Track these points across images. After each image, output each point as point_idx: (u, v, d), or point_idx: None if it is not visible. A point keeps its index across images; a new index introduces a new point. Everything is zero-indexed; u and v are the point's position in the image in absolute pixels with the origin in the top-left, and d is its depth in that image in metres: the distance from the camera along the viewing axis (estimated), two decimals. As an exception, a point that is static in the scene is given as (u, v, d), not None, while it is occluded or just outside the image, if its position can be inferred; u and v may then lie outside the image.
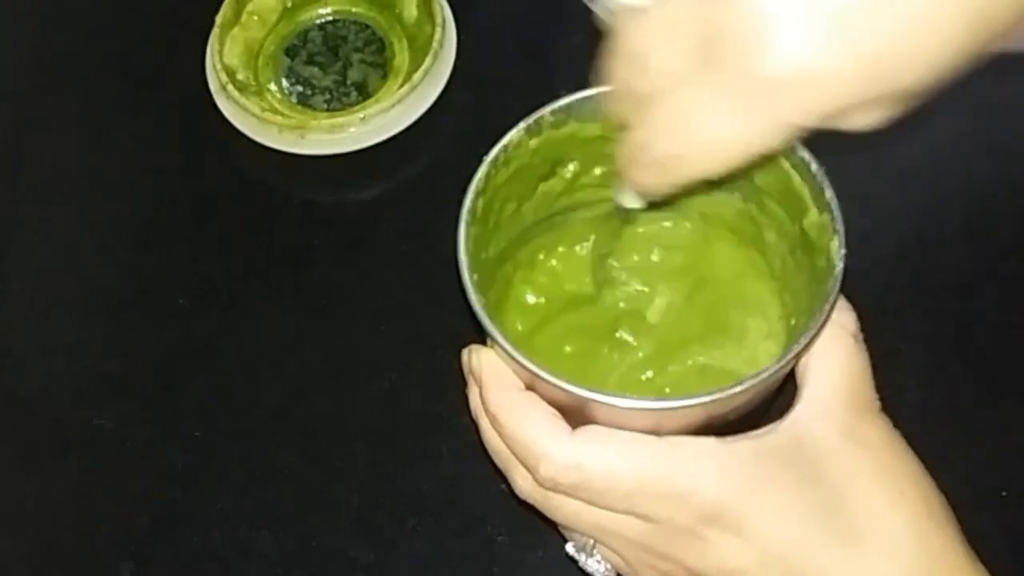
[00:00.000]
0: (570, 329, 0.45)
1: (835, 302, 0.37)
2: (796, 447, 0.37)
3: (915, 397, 0.51)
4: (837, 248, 0.38)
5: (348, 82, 0.62)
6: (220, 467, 0.53)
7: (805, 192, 0.39)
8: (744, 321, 0.45)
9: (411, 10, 0.62)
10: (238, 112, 0.60)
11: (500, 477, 0.41)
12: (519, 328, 0.45)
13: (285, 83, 0.63)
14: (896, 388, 0.40)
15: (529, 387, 0.38)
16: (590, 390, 0.35)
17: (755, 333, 0.44)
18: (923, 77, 0.29)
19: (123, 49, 0.66)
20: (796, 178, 0.39)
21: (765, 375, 0.36)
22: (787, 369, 0.37)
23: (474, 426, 0.41)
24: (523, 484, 0.39)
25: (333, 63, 0.63)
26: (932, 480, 0.38)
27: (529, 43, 0.63)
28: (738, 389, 0.35)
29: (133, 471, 0.53)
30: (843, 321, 0.39)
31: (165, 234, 0.60)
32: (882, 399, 0.39)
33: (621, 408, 0.36)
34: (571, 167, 0.44)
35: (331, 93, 0.62)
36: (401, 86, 0.59)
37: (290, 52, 0.63)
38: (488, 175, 0.40)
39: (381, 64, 0.63)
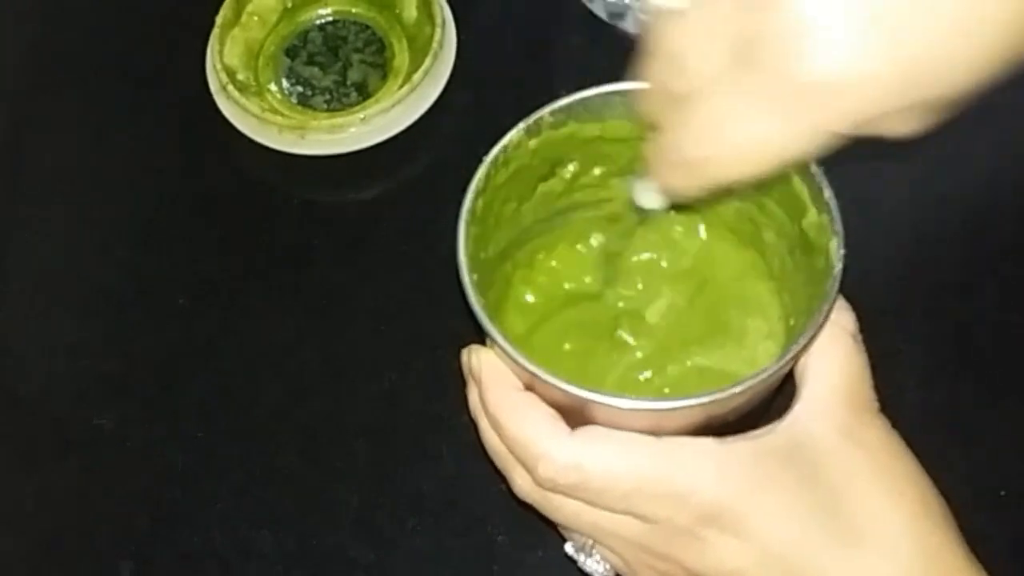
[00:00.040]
0: (569, 327, 0.45)
1: (834, 302, 0.37)
2: (795, 447, 0.37)
3: (915, 397, 0.51)
4: (836, 248, 0.38)
5: (348, 82, 0.62)
6: (220, 467, 0.53)
7: (804, 192, 0.39)
8: (744, 322, 0.45)
9: (411, 10, 0.62)
10: (238, 112, 0.60)
11: (499, 477, 0.41)
12: (519, 328, 0.45)
13: (285, 83, 0.63)
14: (896, 388, 0.40)
15: (528, 387, 0.38)
16: (589, 390, 0.35)
17: (755, 334, 0.44)
18: (961, 83, 0.29)
19: (123, 49, 0.66)
20: (795, 178, 0.39)
21: (764, 376, 0.36)
22: (786, 369, 0.37)
23: (473, 426, 0.41)
24: (522, 484, 0.39)
25: (333, 63, 0.63)
26: (930, 480, 0.38)
27: (529, 43, 0.63)
28: (737, 390, 0.35)
29: (133, 471, 0.53)
30: (842, 321, 0.39)
31: (165, 234, 0.60)
32: (882, 399, 0.39)
33: (620, 409, 0.36)
34: (570, 167, 0.44)
35: (331, 93, 0.62)
36: (401, 86, 0.59)
37: (290, 52, 0.63)
38: (488, 175, 0.40)
39: (381, 64, 0.63)
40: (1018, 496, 0.49)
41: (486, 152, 0.40)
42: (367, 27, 0.64)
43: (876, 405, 0.38)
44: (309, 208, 0.60)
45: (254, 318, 0.57)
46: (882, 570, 0.36)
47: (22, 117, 0.64)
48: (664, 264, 0.47)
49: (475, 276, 0.38)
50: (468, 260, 0.38)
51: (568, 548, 0.42)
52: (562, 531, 0.41)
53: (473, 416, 0.41)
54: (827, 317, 0.37)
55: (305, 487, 0.52)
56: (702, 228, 0.46)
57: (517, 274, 0.46)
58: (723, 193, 0.34)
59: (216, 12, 0.62)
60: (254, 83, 0.61)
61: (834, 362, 0.38)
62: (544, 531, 0.43)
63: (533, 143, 0.41)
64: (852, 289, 0.38)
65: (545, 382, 0.36)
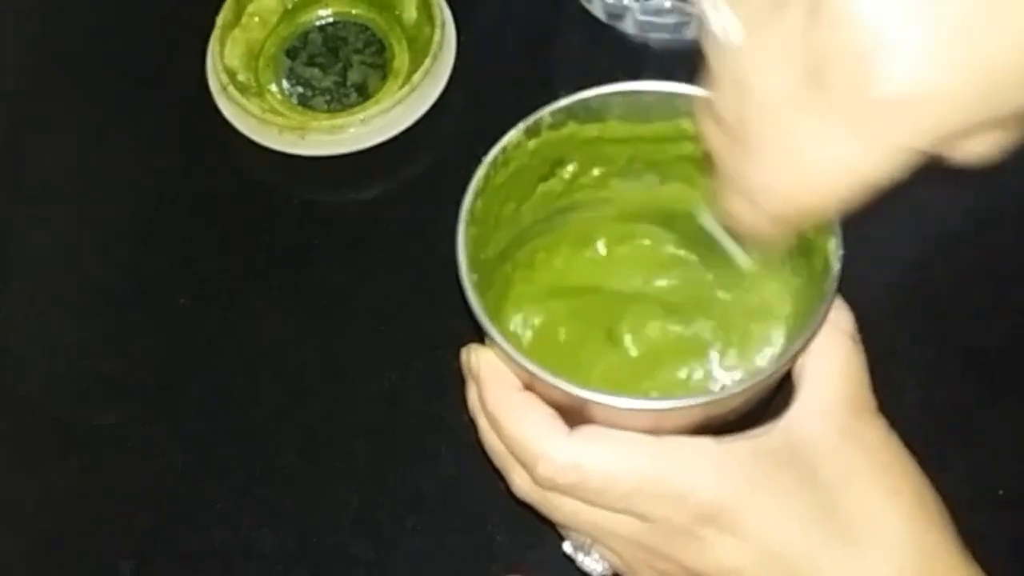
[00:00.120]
0: (568, 315, 0.46)
1: (832, 303, 0.37)
2: (793, 447, 0.37)
3: (914, 397, 0.51)
4: (834, 249, 0.38)
5: (348, 83, 0.62)
6: (220, 466, 0.53)
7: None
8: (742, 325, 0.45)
9: (411, 11, 0.62)
10: (239, 113, 0.60)
11: (499, 476, 0.41)
12: (518, 317, 0.45)
13: (286, 84, 0.63)
14: (895, 388, 0.40)
15: (528, 387, 0.38)
16: (588, 390, 0.35)
17: (753, 336, 0.45)
18: None
19: (124, 50, 0.66)
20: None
21: (763, 376, 0.36)
22: (785, 370, 0.38)
23: (473, 426, 0.41)
24: (521, 483, 0.39)
25: (333, 64, 0.63)
26: (928, 479, 0.38)
27: (529, 44, 0.63)
28: (736, 390, 0.36)
29: (133, 470, 0.53)
30: (841, 322, 0.39)
31: (165, 234, 0.60)
32: (881, 399, 0.39)
33: (619, 408, 0.36)
34: (570, 168, 0.44)
35: (331, 94, 0.62)
36: (401, 87, 0.59)
37: (290, 53, 0.64)
38: (487, 176, 0.40)
39: (381, 65, 0.63)
40: (1017, 496, 0.49)
41: (486, 152, 0.40)
42: (367, 28, 0.64)
43: (874, 405, 0.39)
44: (309, 208, 0.60)
45: (254, 318, 0.57)
46: (880, 569, 0.36)
47: (22, 117, 0.64)
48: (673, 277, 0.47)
49: (475, 276, 0.38)
50: (468, 260, 0.38)
51: (567, 547, 0.42)
52: (561, 530, 0.42)
53: (472, 415, 0.41)
54: (825, 317, 0.37)
55: (305, 487, 0.52)
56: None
57: (517, 274, 0.46)
58: (798, 233, 0.32)
59: (216, 13, 0.62)
60: (254, 84, 0.61)
61: (832, 362, 0.38)
62: (543, 530, 0.43)
63: (532, 143, 0.42)
64: (851, 289, 0.38)
65: (544, 382, 0.36)
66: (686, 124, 0.41)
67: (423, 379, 0.53)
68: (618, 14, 0.61)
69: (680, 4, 0.57)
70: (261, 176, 0.61)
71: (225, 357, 0.56)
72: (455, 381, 0.42)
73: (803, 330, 0.37)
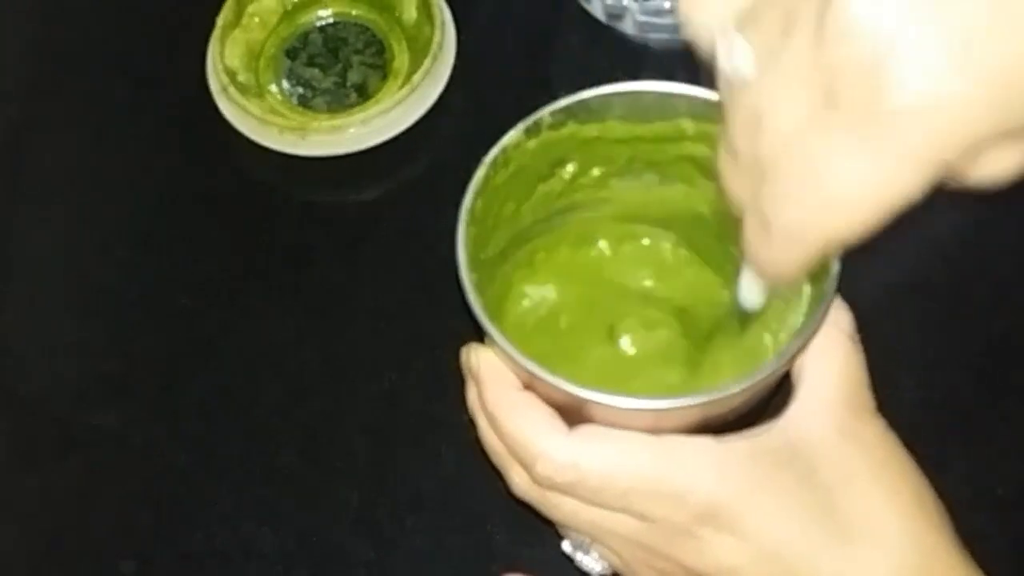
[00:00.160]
0: (572, 304, 0.46)
1: (831, 302, 0.37)
2: (792, 446, 0.37)
3: (914, 397, 0.51)
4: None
5: (348, 84, 0.62)
6: (220, 466, 0.53)
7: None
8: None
9: (411, 12, 0.62)
10: (239, 113, 0.60)
11: (498, 475, 0.41)
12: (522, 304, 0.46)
13: (286, 84, 0.63)
14: (895, 388, 0.40)
15: (527, 386, 0.38)
16: (587, 390, 0.36)
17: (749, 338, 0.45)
18: None
19: (124, 50, 0.66)
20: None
21: (762, 376, 0.36)
22: (784, 369, 0.38)
23: (472, 425, 0.41)
24: (520, 482, 0.39)
25: (333, 65, 0.63)
26: (927, 479, 0.38)
27: (529, 44, 0.63)
28: (735, 390, 0.36)
29: (134, 470, 0.53)
30: (840, 322, 0.39)
31: (165, 234, 0.60)
32: (880, 399, 0.39)
33: (619, 408, 0.36)
34: (569, 168, 0.44)
35: (331, 95, 0.62)
36: (401, 87, 0.59)
37: (291, 54, 0.64)
38: (487, 176, 0.40)
39: (381, 66, 0.63)
40: (1016, 496, 0.49)
41: (485, 153, 0.41)
42: (367, 28, 0.64)
43: (873, 405, 0.39)
44: (309, 209, 0.60)
45: (254, 318, 0.57)
46: (878, 568, 0.36)
47: (23, 118, 0.64)
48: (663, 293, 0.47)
49: (474, 276, 0.38)
50: (467, 260, 0.38)
51: (566, 546, 0.42)
52: (560, 529, 0.42)
53: (472, 415, 0.41)
54: (825, 318, 0.37)
55: (305, 486, 0.52)
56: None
57: (517, 274, 0.46)
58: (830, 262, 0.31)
59: (217, 13, 0.62)
60: (255, 84, 0.62)
61: (831, 362, 0.38)
62: (542, 529, 0.43)
63: (532, 144, 0.42)
64: (850, 289, 0.38)
65: (543, 381, 0.36)
66: (686, 124, 0.41)
67: (423, 379, 0.53)
68: (618, 14, 0.61)
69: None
70: (261, 176, 0.61)
71: (225, 357, 0.56)
72: (455, 381, 0.42)
73: (802, 330, 0.37)
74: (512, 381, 0.38)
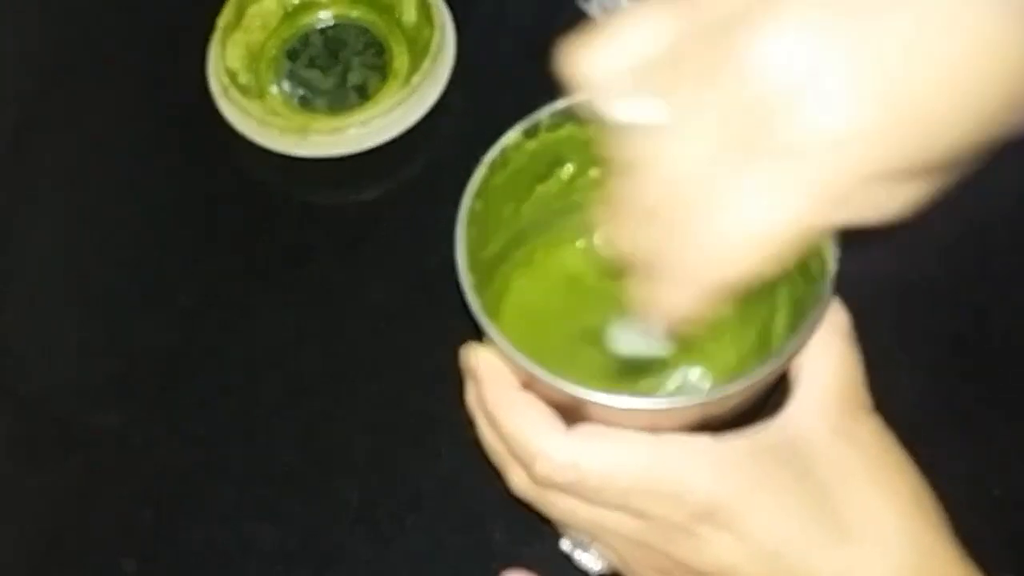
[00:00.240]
0: (568, 305, 0.46)
1: (829, 303, 0.38)
2: (790, 445, 0.37)
3: (912, 397, 0.51)
4: (831, 249, 0.38)
5: (348, 85, 0.63)
6: (221, 465, 0.53)
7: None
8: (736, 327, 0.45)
9: (410, 13, 0.63)
10: (239, 114, 0.60)
11: (497, 475, 0.41)
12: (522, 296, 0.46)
13: (286, 86, 0.63)
14: (892, 388, 0.40)
15: (526, 386, 0.38)
16: (586, 390, 0.36)
17: (745, 339, 0.45)
18: (958, 139, 0.27)
19: (125, 51, 0.66)
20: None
21: (760, 376, 0.36)
22: (782, 369, 0.38)
23: (472, 424, 0.42)
24: (519, 481, 0.39)
25: (333, 66, 0.63)
26: (924, 478, 0.38)
27: (528, 45, 0.63)
28: (734, 390, 0.36)
29: (135, 469, 0.53)
30: (837, 322, 0.39)
31: (166, 234, 0.60)
32: (878, 399, 0.39)
33: (617, 408, 0.36)
34: (568, 168, 0.44)
35: (331, 96, 0.62)
36: (400, 88, 0.60)
37: (291, 55, 0.64)
38: (486, 176, 0.40)
39: (381, 67, 0.63)
40: (1014, 496, 0.50)
41: (484, 153, 0.41)
42: (367, 30, 0.64)
43: (870, 404, 0.39)
44: (309, 209, 0.60)
45: (254, 318, 0.57)
46: (876, 567, 0.36)
47: (23, 118, 0.65)
48: None
49: (473, 276, 0.38)
50: (467, 260, 0.39)
51: (564, 545, 0.42)
52: (559, 527, 0.42)
53: (471, 414, 0.41)
54: (822, 318, 0.37)
55: (305, 485, 0.52)
56: None
57: (515, 274, 0.47)
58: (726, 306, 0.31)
59: (217, 15, 0.62)
60: (255, 85, 0.62)
61: (828, 362, 0.38)
62: (541, 528, 0.43)
63: (531, 145, 0.42)
64: (848, 289, 0.39)
65: (542, 381, 0.36)
66: None
67: (423, 379, 0.54)
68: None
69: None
70: (261, 177, 0.61)
71: (226, 357, 0.56)
72: (454, 381, 0.42)
73: (800, 331, 0.37)
74: (511, 381, 0.38)
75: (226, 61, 0.61)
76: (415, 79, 0.59)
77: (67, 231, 0.61)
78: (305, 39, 0.64)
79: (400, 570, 0.50)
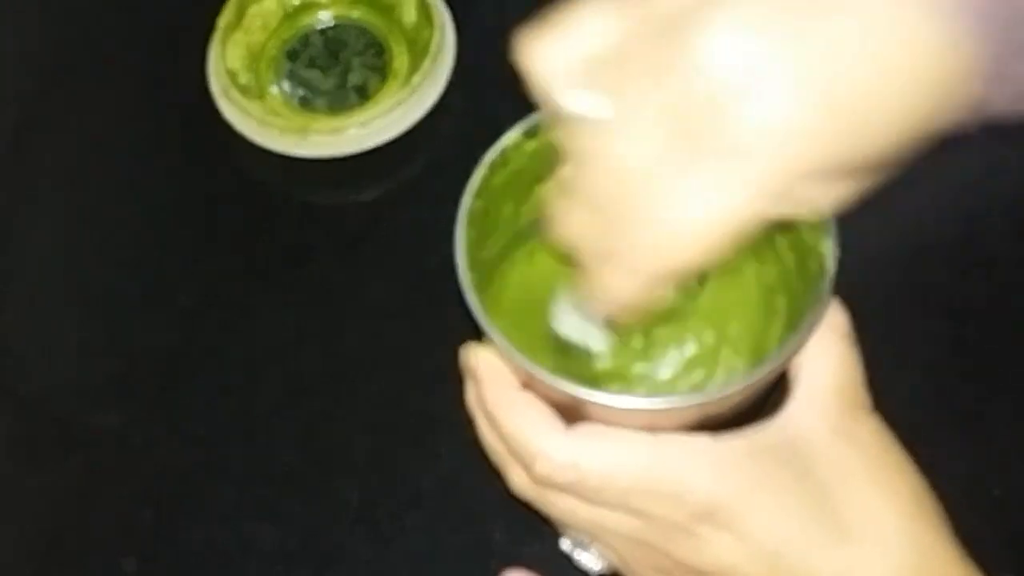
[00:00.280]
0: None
1: (828, 303, 0.38)
2: (789, 445, 0.37)
3: (911, 397, 0.51)
4: (830, 249, 0.38)
5: (348, 85, 0.63)
6: (221, 465, 0.53)
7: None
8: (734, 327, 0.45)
9: (410, 14, 0.63)
10: (240, 114, 0.60)
11: (497, 474, 0.41)
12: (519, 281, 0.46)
13: (287, 86, 0.63)
14: (892, 388, 0.40)
15: (526, 385, 0.38)
16: (586, 389, 0.36)
17: (742, 338, 0.45)
18: (893, 138, 0.28)
19: (125, 52, 0.66)
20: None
21: (759, 375, 0.36)
22: (781, 369, 0.38)
23: (472, 424, 0.42)
24: (519, 481, 0.40)
25: (334, 66, 0.63)
26: (923, 478, 0.38)
27: (527, 46, 0.63)
28: (733, 390, 0.36)
29: (135, 469, 0.53)
30: (836, 322, 0.39)
31: (166, 235, 0.60)
32: (876, 399, 0.39)
33: (617, 408, 0.36)
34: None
35: (332, 96, 0.62)
36: (400, 89, 0.60)
37: (291, 55, 0.64)
38: (486, 177, 0.40)
39: (381, 67, 0.63)
40: (1012, 496, 0.50)
41: (484, 154, 0.41)
42: (367, 31, 0.64)
43: (869, 404, 0.39)
44: (309, 209, 0.61)
45: (254, 318, 0.57)
46: (876, 567, 0.36)
47: (24, 118, 0.65)
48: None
49: (473, 276, 0.38)
50: (466, 260, 0.39)
51: (563, 544, 0.42)
52: (558, 527, 0.42)
53: (471, 414, 0.41)
54: (821, 318, 0.37)
55: (305, 485, 0.52)
56: None
57: (515, 274, 0.47)
58: (677, 292, 0.32)
59: (218, 15, 0.62)
60: (255, 86, 0.62)
61: (828, 362, 0.38)
62: (541, 527, 0.43)
63: (531, 145, 0.42)
64: (846, 290, 0.39)
65: (542, 381, 0.36)
66: None
67: (423, 379, 0.54)
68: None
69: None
70: (262, 177, 0.61)
71: (226, 356, 0.56)
72: (454, 380, 0.42)
73: (799, 331, 0.37)
74: (511, 380, 0.38)
75: (226, 61, 0.61)
76: (415, 79, 0.59)
77: (67, 231, 0.61)
78: (305, 39, 0.64)
79: (400, 570, 0.50)
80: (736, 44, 0.27)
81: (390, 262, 0.58)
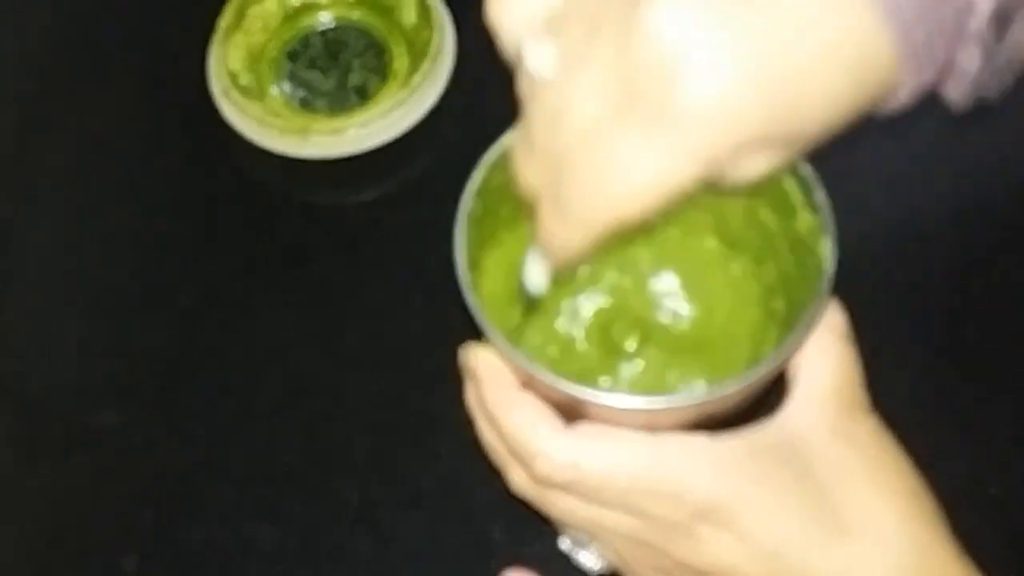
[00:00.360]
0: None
1: (826, 303, 0.38)
2: (788, 445, 0.37)
3: (908, 397, 0.51)
4: (828, 249, 0.38)
5: (348, 86, 0.63)
6: (221, 464, 0.53)
7: (795, 193, 0.40)
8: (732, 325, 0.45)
9: (410, 15, 0.63)
10: (240, 115, 0.60)
11: (497, 474, 0.41)
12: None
13: (287, 87, 0.63)
14: (889, 388, 0.40)
15: (525, 385, 0.38)
16: (585, 389, 0.36)
17: (740, 337, 0.45)
18: (820, 118, 0.29)
19: (126, 52, 0.66)
20: (786, 180, 0.40)
21: (758, 375, 0.36)
22: (780, 369, 0.38)
23: (472, 424, 0.42)
24: (518, 480, 0.40)
25: (334, 67, 0.63)
26: (922, 478, 0.38)
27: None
28: (731, 390, 0.36)
29: (135, 468, 0.53)
30: (834, 322, 0.39)
31: (166, 235, 0.60)
32: (875, 398, 0.39)
33: (616, 407, 0.36)
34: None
35: (332, 97, 0.62)
36: (400, 90, 0.60)
37: (292, 56, 0.64)
38: (485, 177, 0.41)
39: (381, 68, 0.63)
40: (1010, 496, 0.50)
41: (484, 153, 0.41)
42: (367, 32, 0.64)
43: (867, 403, 0.39)
44: (309, 209, 0.61)
45: (254, 318, 0.57)
46: (875, 566, 0.36)
47: (24, 118, 0.65)
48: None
49: (473, 276, 0.38)
50: (466, 260, 0.39)
51: (563, 544, 0.42)
52: (558, 526, 0.42)
53: (471, 413, 0.41)
54: (820, 318, 0.37)
55: (305, 485, 0.52)
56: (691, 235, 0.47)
57: (515, 273, 0.47)
58: (618, 242, 0.33)
59: (218, 16, 0.62)
60: (256, 86, 0.62)
61: (826, 361, 0.38)
62: (541, 527, 0.43)
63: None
64: (844, 289, 0.39)
65: (541, 380, 0.36)
66: None
67: (423, 378, 0.54)
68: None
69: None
70: (262, 177, 0.61)
71: (226, 356, 0.56)
72: (454, 380, 0.42)
73: (797, 330, 0.37)
74: (511, 380, 0.38)
75: (227, 62, 0.61)
76: (415, 80, 0.59)
77: (67, 231, 0.61)
78: (305, 40, 0.64)
79: (400, 570, 0.50)
80: (679, 17, 0.28)
81: (390, 262, 0.58)
